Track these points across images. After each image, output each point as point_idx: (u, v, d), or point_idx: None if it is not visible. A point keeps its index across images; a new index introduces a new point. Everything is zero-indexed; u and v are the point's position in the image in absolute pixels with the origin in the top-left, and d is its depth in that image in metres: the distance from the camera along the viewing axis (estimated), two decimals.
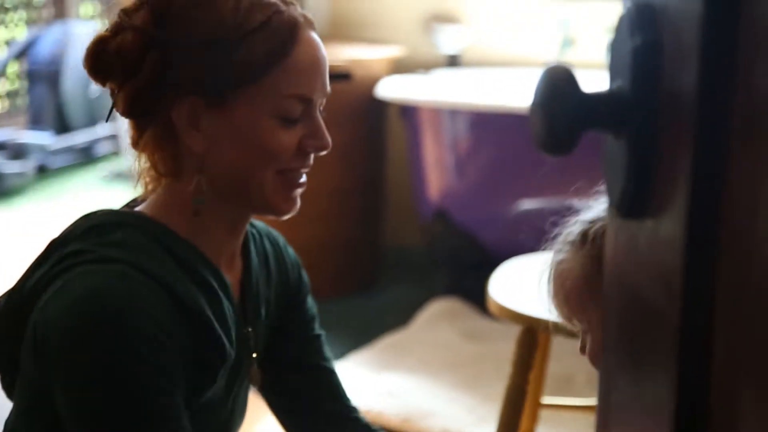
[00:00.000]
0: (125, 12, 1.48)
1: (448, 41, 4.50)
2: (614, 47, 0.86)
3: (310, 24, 1.49)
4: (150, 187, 1.53)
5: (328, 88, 1.51)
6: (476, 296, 4.13)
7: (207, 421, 1.52)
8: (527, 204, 4.01)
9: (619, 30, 0.85)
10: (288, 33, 1.45)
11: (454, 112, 4.04)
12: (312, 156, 1.50)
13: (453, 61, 4.52)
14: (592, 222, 1.58)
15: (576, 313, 1.56)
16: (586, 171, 3.90)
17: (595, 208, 1.61)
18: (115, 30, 1.47)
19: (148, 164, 1.51)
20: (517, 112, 3.92)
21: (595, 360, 1.55)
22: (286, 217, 1.50)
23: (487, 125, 4.02)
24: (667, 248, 0.77)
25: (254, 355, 1.60)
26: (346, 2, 4.71)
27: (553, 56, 4.45)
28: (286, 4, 1.48)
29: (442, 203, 4.11)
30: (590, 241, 1.54)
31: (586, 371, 3.57)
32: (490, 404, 3.36)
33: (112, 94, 1.50)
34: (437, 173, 4.12)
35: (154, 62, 1.44)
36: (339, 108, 4.21)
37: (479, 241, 4.06)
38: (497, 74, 4.41)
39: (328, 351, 1.79)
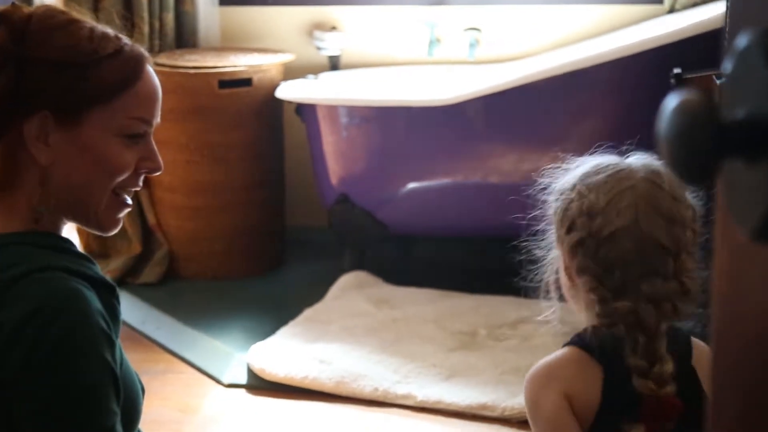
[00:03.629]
0: None
1: (328, 46, 4.53)
2: (737, 75, 0.80)
3: (149, 59, 1.52)
4: None
5: (159, 118, 1.53)
6: (379, 268, 4.21)
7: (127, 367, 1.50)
8: (415, 184, 4.09)
9: (744, 58, 0.79)
10: (136, 62, 1.48)
11: (348, 108, 4.06)
12: (143, 177, 1.51)
13: (334, 65, 4.55)
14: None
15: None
16: (461, 153, 4.04)
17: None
18: None
19: None
20: (401, 106, 4.02)
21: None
22: (108, 235, 1.52)
23: (377, 118, 4.07)
24: None
25: None
26: (235, 15, 4.67)
27: (421, 55, 4.53)
28: (127, 38, 1.51)
29: (343, 188, 4.14)
30: None
31: (487, 327, 3.69)
32: (411, 363, 3.42)
33: None
34: (337, 162, 4.15)
35: (9, 75, 1.41)
36: (242, 110, 4.19)
37: (378, 219, 4.12)
38: (376, 74, 4.46)
39: None
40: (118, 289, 1.49)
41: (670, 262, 1.57)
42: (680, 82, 3.47)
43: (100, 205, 1.48)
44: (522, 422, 3.10)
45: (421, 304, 3.84)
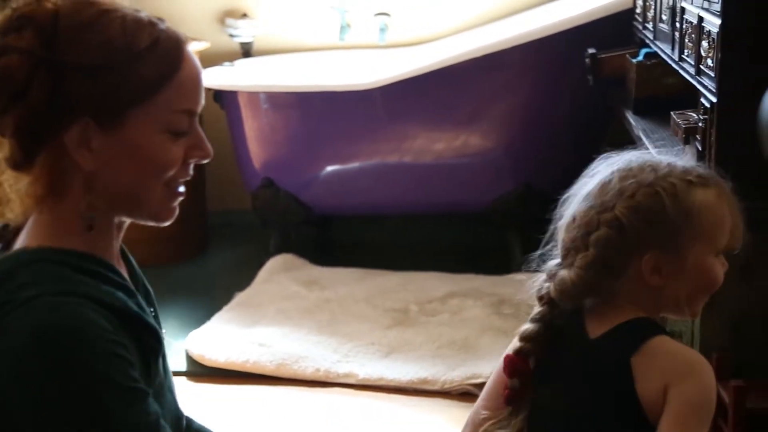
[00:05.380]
0: (1, 34, 1.27)
1: (240, 34, 4.38)
2: None
3: (187, 40, 1.35)
4: (25, 210, 1.32)
5: (203, 100, 1.37)
6: (305, 249, 4.10)
7: (161, 402, 1.35)
8: (337, 166, 4.00)
9: None
10: (175, 51, 1.31)
11: (270, 94, 3.94)
12: (192, 166, 1.37)
13: (247, 51, 4.41)
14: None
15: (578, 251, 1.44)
16: (380, 135, 3.98)
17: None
18: None
19: (24, 185, 1.30)
20: (321, 91, 3.92)
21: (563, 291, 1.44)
22: (165, 225, 1.37)
23: (297, 103, 3.97)
24: None
25: (164, 331, 1.42)
26: (146, 3, 4.45)
27: (333, 40, 4.43)
28: (161, 21, 1.34)
29: (267, 172, 4.01)
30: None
31: (417, 303, 3.62)
32: (349, 342, 3.33)
33: None
34: (260, 147, 4.02)
35: (43, 85, 1.25)
36: None
37: (302, 201, 4.01)
38: (290, 59, 4.34)
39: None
40: (159, 331, 1.34)
41: None
42: (595, 62, 3.46)
43: (153, 201, 1.33)
44: (462, 394, 3.06)
45: (350, 283, 3.76)
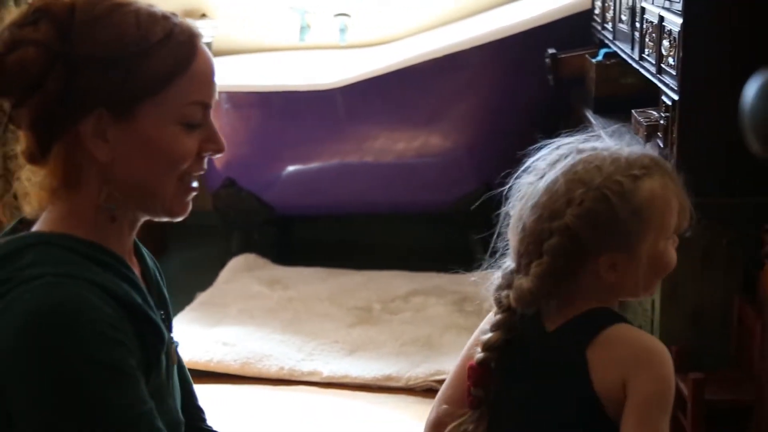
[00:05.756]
0: (18, 26, 1.28)
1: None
2: None
3: (200, 34, 1.36)
4: (41, 201, 1.33)
5: (216, 94, 1.37)
6: (267, 249, 4.08)
7: (159, 404, 1.33)
8: (298, 166, 3.99)
9: None
10: (189, 44, 1.31)
11: (231, 94, 3.91)
12: (206, 160, 1.37)
13: None
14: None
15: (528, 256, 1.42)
16: (340, 135, 3.97)
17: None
18: (10, 45, 1.27)
19: (40, 178, 1.31)
20: (282, 91, 3.91)
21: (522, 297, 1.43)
22: (178, 220, 1.38)
23: (258, 103, 3.95)
24: None
25: (172, 335, 1.45)
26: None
27: (293, 41, 4.41)
28: (174, 15, 1.34)
29: (229, 172, 3.99)
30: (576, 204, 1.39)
31: (380, 301, 3.62)
32: (313, 341, 3.32)
33: (2, 108, 1.30)
34: None
35: (59, 77, 1.26)
36: None
37: (264, 201, 4.00)
38: (250, 60, 4.32)
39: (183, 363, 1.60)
40: (163, 330, 1.33)
41: None
42: (555, 62, 3.48)
43: (167, 194, 1.32)
44: (426, 390, 3.06)
45: (313, 282, 3.75)
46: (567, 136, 1.47)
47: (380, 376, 3.11)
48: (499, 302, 1.47)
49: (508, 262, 1.48)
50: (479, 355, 1.46)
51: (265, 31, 4.44)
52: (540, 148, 1.46)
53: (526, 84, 3.77)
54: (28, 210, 1.35)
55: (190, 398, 1.59)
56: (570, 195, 1.38)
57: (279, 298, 3.62)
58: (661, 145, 2.31)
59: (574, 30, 3.58)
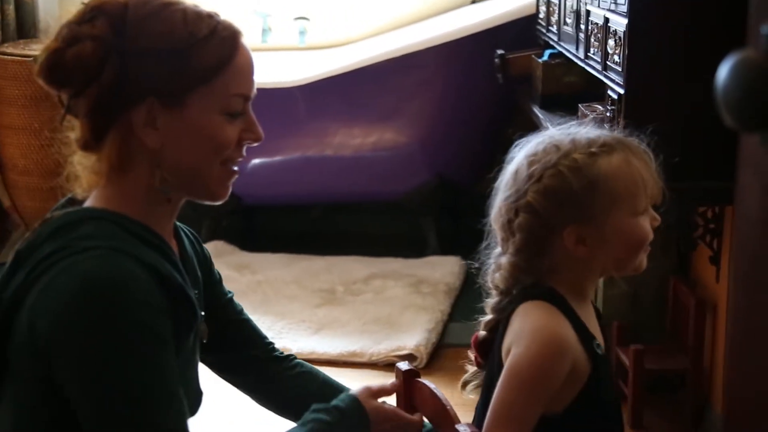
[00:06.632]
0: (76, 23, 1.35)
1: None
2: None
3: (242, 33, 1.43)
4: (90, 183, 1.40)
5: (255, 88, 1.44)
6: (234, 236, 4.17)
7: (186, 378, 1.42)
8: (265, 158, 4.06)
9: None
10: (232, 40, 1.38)
11: None
12: (245, 147, 1.44)
13: None
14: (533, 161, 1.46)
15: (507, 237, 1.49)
16: (304, 130, 4.06)
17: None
18: (69, 41, 1.34)
19: (91, 162, 1.38)
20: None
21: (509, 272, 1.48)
22: (220, 203, 1.46)
23: None
24: None
25: (202, 313, 1.50)
26: (74, 5, 4.45)
27: (255, 42, 4.50)
28: (217, 14, 1.41)
29: None
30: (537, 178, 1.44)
31: (342, 284, 3.73)
32: (282, 321, 3.42)
33: (61, 100, 1.37)
34: None
35: (114, 69, 1.32)
36: None
37: (232, 192, 4.04)
38: None
39: (239, 305, 1.74)
40: (197, 306, 1.40)
41: None
42: (503, 62, 3.62)
43: (212, 178, 1.41)
44: (388, 365, 3.17)
45: (279, 267, 3.84)
46: (553, 126, 1.51)
47: (345, 352, 3.22)
48: (495, 286, 1.51)
49: (498, 249, 1.51)
50: (481, 333, 1.53)
51: None
52: (524, 141, 1.50)
53: (477, 82, 3.90)
54: (78, 191, 1.41)
55: (261, 343, 1.72)
56: (530, 174, 1.43)
57: (248, 282, 3.71)
58: None
59: (520, 32, 3.73)
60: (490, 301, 1.52)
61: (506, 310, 1.47)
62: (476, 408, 1.56)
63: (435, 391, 1.60)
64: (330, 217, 4.34)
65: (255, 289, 3.65)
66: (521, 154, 1.48)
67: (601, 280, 2.95)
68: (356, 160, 4.01)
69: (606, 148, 1.43)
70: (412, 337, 3.23)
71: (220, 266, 3.91)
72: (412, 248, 3.99)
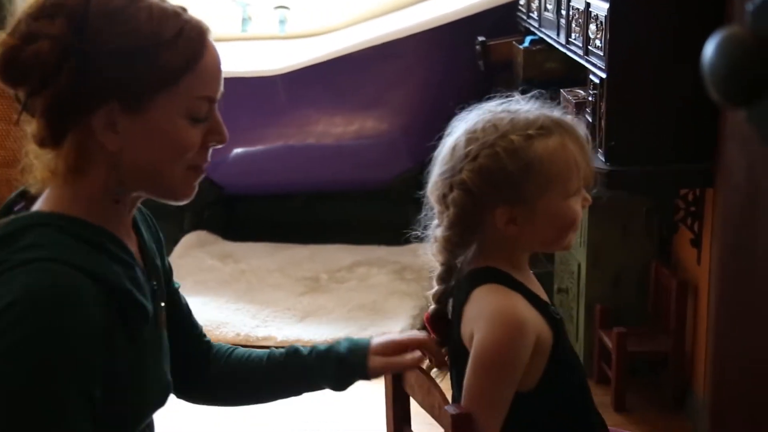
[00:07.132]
0: (34, 19, 1.26)
1: None
2: None
3: (209, 30, 1.35)
4: (45, 180, 1.32)
5: (222, 88, 1.36)
6: (217, 226, 4.15)
7: (143, 367, 1.36)
8: (246, 148, 4.05)
9: None
10: (198, 40, 1.30)
11: None
12: (210, 150, 1.36)
13: None
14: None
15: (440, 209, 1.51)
16: (285, 119, 4.04)
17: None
18: (26, 38, 1.25)
19: (47, 159, 1.30)
20: (228, 77, 3.96)
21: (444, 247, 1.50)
22: (185, 202, 1.37)
23: None
24: None
25: (162, 304, 1.44)
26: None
27: (236, 31, 4.48)
28: (185, 11, 1.33)
29: None
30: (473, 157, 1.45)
31: (327, 272, 3.72)
32: (266, 309, 3.41)
33: (18, 97, 1.28)
34: None
35: (72, 70, 1.23)
36: None
37: (215, 181, 4.06)
38: None
39: (184, 298, 1.68)
40: (148, 308, 1.34)
41: None
42: (485, 49, 3.62)
43: (174, 180, 1.33)
44: None
45: (262, 256, 3.83)
46: (488, 101, 1.51)
47: (331, 339, 3.20)
48: (435, 257, 1.53)
49: (436, 221, 1.52)
50: (431, 307, 1.55)
51: (209, 22, 4.45)
52: (465, 114, 1.49)
53: (458, 69, 3.89)
54: (31, 183, 1.33)
55: (197, 333, 1.65)
56: (467, 152, 1.43)
57: (232, 271, 3.69)
58: (590, 119, 2.46)
59: (501, 19, 3.72)
60: (435, 273, 1.54)
61: (453, 291, 1.50)
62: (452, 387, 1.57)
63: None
64: (313, 206, 4.33)
65: (239, 278, 3.64)
66: (460, 128, 1.48)
67: (584, 265, 2.96)
68: (338, 149, 4.00)
69: (543, 131, 1.43)
70: (396, 323, 3.23)
71: (203, 256, 3.93)
72: (396, 236, 3.97)
